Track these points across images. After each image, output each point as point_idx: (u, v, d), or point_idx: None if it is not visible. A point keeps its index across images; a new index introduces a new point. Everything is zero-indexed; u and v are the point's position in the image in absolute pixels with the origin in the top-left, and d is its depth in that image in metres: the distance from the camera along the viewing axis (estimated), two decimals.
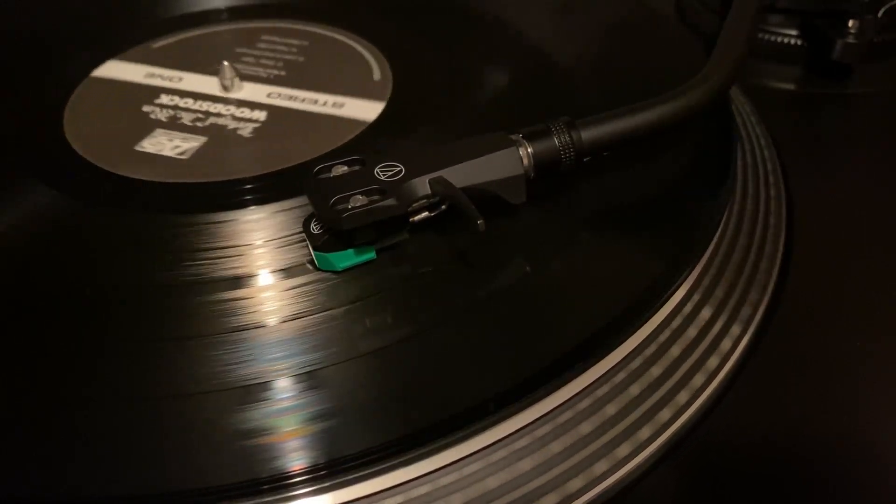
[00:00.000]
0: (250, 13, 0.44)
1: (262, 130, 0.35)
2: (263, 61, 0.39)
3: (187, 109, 0.36)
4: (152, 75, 0.39)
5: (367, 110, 0.35)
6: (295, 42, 0.41)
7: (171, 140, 0.34)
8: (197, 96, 0.37)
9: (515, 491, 0.23)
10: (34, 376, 0.25)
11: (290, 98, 0.37)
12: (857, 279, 0.30)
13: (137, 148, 0.34)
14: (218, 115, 0.36)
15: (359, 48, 0.40)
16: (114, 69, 0.40)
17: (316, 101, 0.36)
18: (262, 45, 0.41)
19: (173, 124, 0.36)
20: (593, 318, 0.25)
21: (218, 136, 0.35)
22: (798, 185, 0.34)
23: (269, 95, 0.37)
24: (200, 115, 0.36)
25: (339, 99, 0.36)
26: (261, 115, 0.36)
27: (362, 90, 0.36)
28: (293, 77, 0.38)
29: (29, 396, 0.24)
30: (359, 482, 0.22)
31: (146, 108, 0.37)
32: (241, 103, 0.37)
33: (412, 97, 0.36)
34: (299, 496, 0.21)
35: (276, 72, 0.39)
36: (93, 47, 0.41)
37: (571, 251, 0.27)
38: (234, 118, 0.36)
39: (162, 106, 0.37)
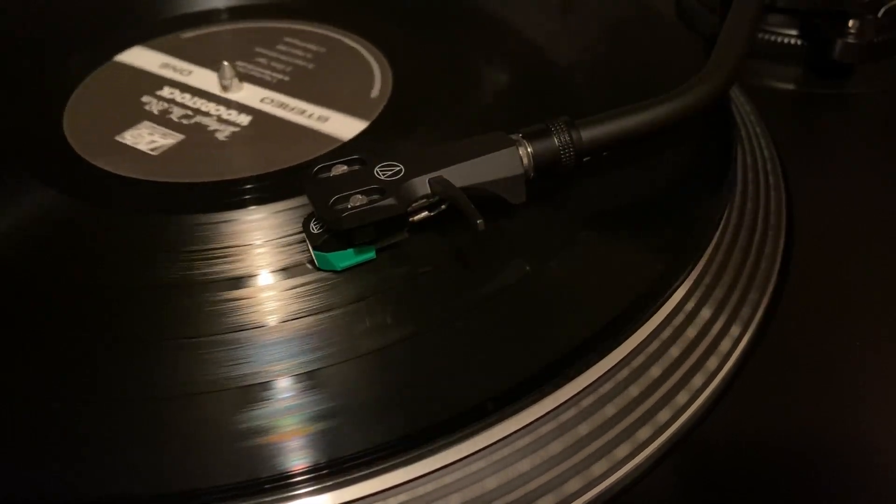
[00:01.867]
0: (250, 12, 0.44)
1: (239, 135, 0.35)
2: (263, 60, 0.39)
3: (181, 105, 0.37)
4: (166, 66, 0.39)
5: (348, 127, 0.35)
6: (294, 42, 0.41)
7: (151, 134, 0.35)
8: (196, 92, 0.37)
9: (515, 491, 0.23)
10: (33, 377, 0.25)
11: (281, 105, 0.37)
12: (858, 279, 0.30)
13: (118, 139, 0.34)
14: (206, 114, 0.36)
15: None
16: (134, 56, 0.40)
17: (303, 112, 0.36)
18: (264, 47, 0.41)
19: (161, 118, 0.36)
20: (593, 318, 0.25)
21: (195, 137, 0.35)
22: (798, 185, 0.34)
23: (261, 100, 0.37)
24: (189, 113, 0.36)
25: (326, 112, 0.36)
26: (244, 120, 0.36)
27: (353, 103, 0.36)
28: (292, 81, 0.38)
29: (28, 397, 0.24)
30: (359, 482, 0.22)
31: (144, 99, 0.37)
32: (231, 104, 0.37)
33: (412, 97, 0.36)
34: (300, 496, 0.21)
35: (278, 75, 0.39)
36: (93, 47, 0.41)
37: (571, 251, 0.27)
38: (220, 120, 0.36)
39: (160, 98, 0.37)
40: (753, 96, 0.39)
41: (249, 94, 0.37)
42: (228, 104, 0.37)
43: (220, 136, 0.35)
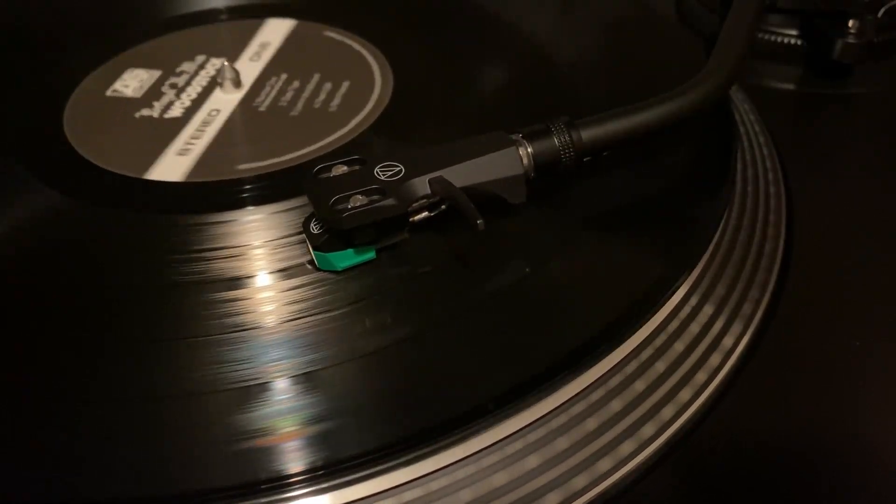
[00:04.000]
0: (250, 12, 0.44)
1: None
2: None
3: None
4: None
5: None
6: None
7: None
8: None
9: (514, 492, 0.23)
10: (34, 376, 0.25)
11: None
12: (857, 279, 0.30)
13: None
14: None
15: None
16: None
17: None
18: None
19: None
20: (594, 318, 0.25)
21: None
22: (798, 185, 0.34)
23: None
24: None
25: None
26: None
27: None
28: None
29: (28, 397, 0.24)
30: (357, 483, 0.22)
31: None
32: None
33: (412, 97, 0.36)
34: (298, 497, 0.21)
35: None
36: (93, 47, 0.41)
37: (571, 252, 0.27)
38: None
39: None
40: (753, 96, 0.39)
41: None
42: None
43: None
